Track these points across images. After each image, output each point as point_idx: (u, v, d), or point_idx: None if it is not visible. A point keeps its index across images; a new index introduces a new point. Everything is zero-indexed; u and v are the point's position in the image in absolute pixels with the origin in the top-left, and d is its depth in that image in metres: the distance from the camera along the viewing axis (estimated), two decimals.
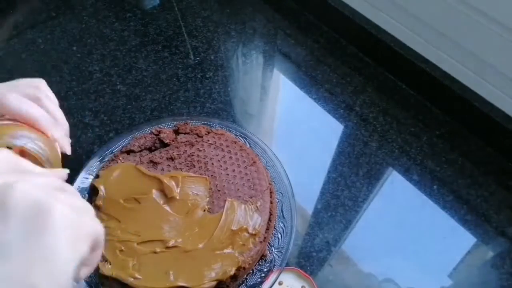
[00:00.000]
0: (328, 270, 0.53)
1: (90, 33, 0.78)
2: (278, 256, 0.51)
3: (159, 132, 0.60)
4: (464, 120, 0.65)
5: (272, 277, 0.49)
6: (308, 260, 0.53)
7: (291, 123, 0.67)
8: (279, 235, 0.53)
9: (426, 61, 0.66)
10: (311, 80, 0.71)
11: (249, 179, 0.55)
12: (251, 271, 0.50)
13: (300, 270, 0.51)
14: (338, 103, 0.68)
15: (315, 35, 0.78)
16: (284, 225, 0.53)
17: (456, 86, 0.63)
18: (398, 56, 0.68)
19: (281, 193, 0.56)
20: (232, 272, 0.47)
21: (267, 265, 0.50)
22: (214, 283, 0.47)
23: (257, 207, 0.53)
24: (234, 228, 0.50)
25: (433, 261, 0.53)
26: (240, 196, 0.54)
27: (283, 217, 0.54)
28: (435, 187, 0.59)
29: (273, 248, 0.52)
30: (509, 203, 0.58)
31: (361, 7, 0.71)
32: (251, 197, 0.54)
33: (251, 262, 0.49)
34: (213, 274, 0.47)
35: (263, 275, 0.50)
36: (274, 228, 0.53)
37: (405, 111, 0.67)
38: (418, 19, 0.64)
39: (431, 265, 0.53)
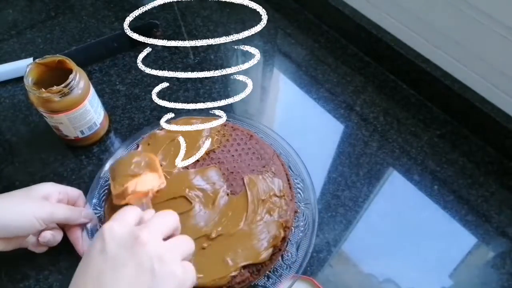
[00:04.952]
0: (328, 271, 0.52)
1: (90, 33, 0.78)
2: (308, 209, 0.54)
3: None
4: (464, 120, 0.64)
5: (286, 284, 0.49)
6: (308, 261, 0.53)
7: (291, 123, 0.67)
8: (300, 191, 0.55)
9: (427, 60, 0.66)
10: (311, 80, 0.71)
11: (254, 152, 0.57)
12: (292, 229, 0.53)
13: (314, 280, 0.50)
14: (338, 103, 0.68)
15: (315, 34, 0.77)
16: (300, 181, 0.56)
17: (456, 85, 0.63)
18: (399, 56, 0.67)
19: (283, 155, 0.58)
20: (282, 234, 0.50)
21: (302, 219, 0.53)
22: (270, 249, 0.49)
23: (273, 172, 0.55)
24: (263, 197, 0.52)
25: (434, 261, 0.53)
26: (253, 170, 0.55)
27: (296, 174, 0.57)
28: (435, 187, 0.59)
29: (300, 203, 0.54)
30: (510, 203, 0.57)
31: (361, 7, 0.71)
32: (264, 166, 0.55)
33: (290, 220, 0.52)
34: (265, 244, 0.49)
35: (302, 229, 0.52)
36: (293, 186, 0.56)
37: (406, 111, 0.67)
38: (418, 18, 0.63)
39: (431, 265, 0.53)
